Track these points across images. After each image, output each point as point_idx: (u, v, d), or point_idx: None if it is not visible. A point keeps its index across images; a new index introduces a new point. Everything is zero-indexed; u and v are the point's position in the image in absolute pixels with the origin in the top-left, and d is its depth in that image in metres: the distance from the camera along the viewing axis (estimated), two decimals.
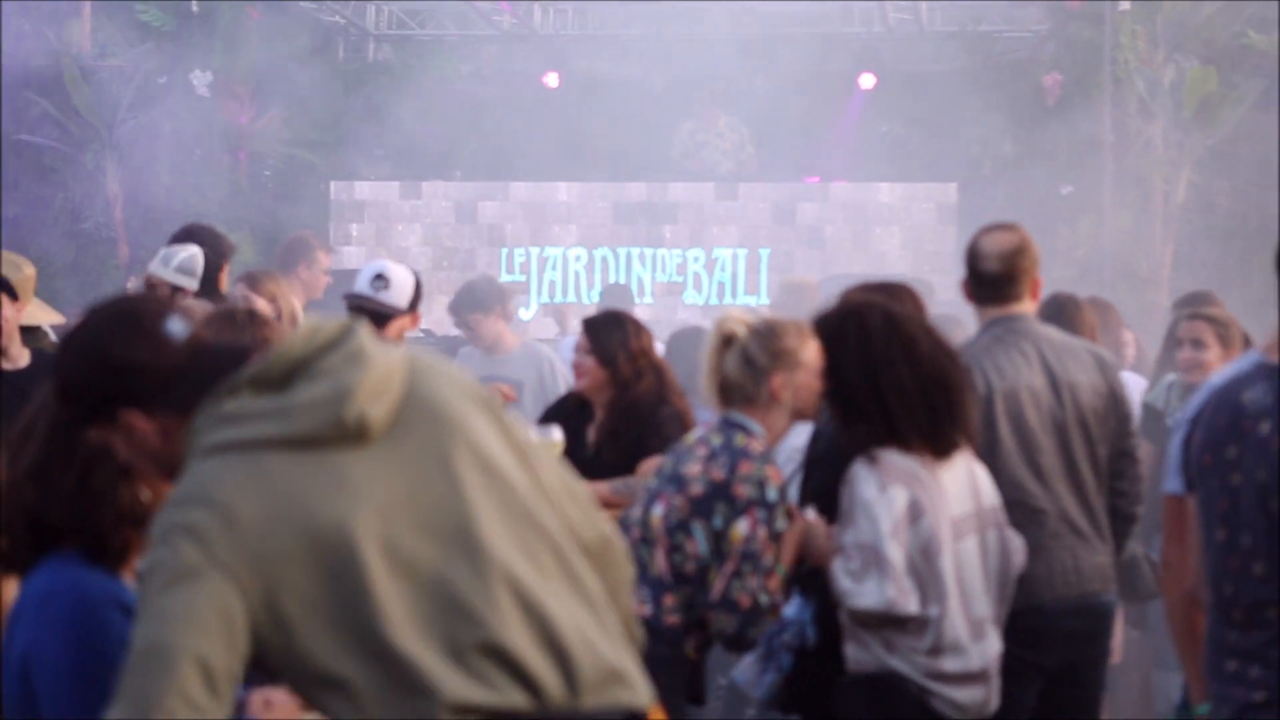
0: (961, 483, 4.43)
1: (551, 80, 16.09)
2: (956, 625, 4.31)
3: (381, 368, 2.65)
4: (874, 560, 4.23)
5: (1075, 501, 5.04)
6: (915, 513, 4.29)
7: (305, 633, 2.53)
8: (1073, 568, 5.00)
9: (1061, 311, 6.24)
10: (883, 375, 4.32)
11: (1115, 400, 5.16)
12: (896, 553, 4.23)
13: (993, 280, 5.06)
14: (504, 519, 2.67)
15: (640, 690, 2.72)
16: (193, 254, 6.75)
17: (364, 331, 2.70)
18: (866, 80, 15.92)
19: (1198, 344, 6.51)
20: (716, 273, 15.05)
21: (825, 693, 4.57)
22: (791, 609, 4.73)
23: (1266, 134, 14.68)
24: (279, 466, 2.57)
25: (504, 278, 14.29)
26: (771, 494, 4.52)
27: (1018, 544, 4.62)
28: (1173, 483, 3.75)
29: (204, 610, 2.49)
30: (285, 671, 2.60)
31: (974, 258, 5.07)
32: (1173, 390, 6.85)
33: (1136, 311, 12.48)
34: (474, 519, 2.63)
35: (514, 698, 2.58)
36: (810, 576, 4.65)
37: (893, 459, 4.32)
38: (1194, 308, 7.36)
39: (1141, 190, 14.10)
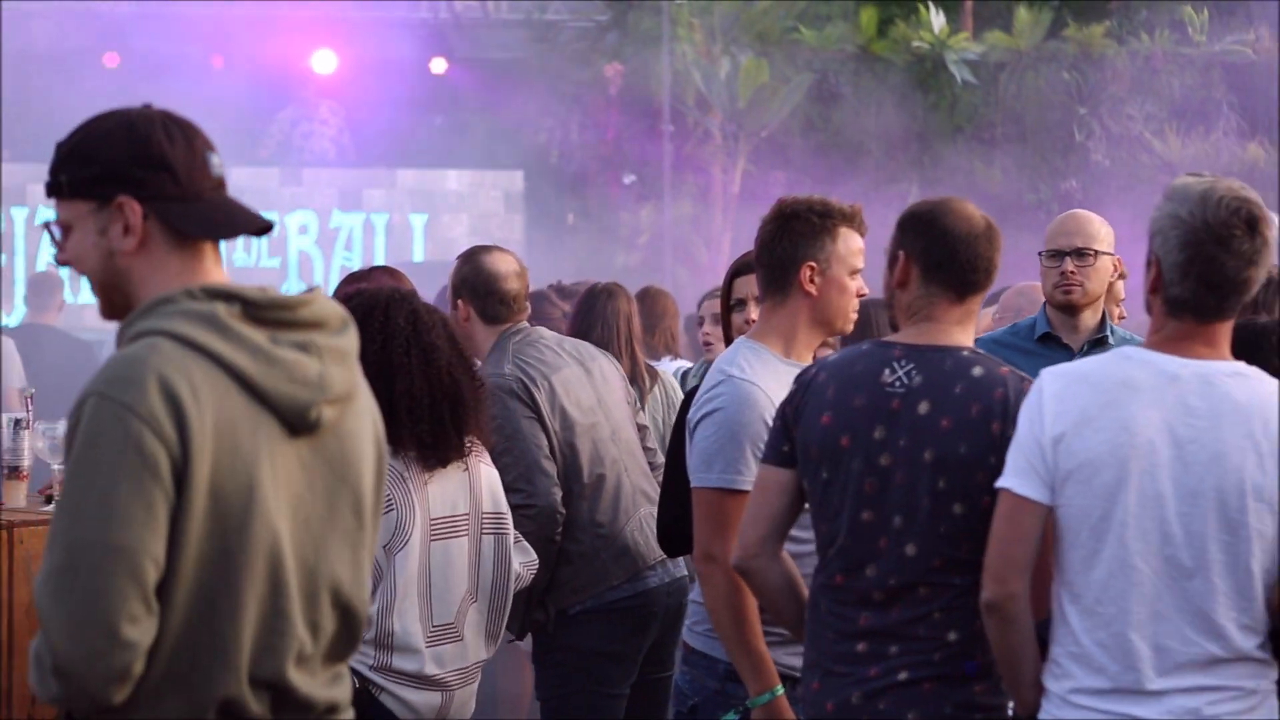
0: (452, 483, 4.28)
1: (111, 60, 15.58)
2: (408, 626, 4.16)
3: (353, 380, 2.68)
4: None
5: (637, 469, 5.26)
6: (384, 506, 4.14)
7: (180, 557, 2.51)
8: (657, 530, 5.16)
9: (654, 301, 6.47)
10: (398, 383, 4.18)
11: (625, 379, 5.47)
12: None
13: (515, 297, 5.19)
14: (350, 564, 2.71)
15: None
16: None
17: (355, 334, 2.71)
18: (437, 66, 15.92)
19: (718, 320, 6.68)
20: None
21: None
22: None
23: (818, 125, 15.34)
24: (237, 401, 2.54)
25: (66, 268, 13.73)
26: None
27: (525, 558, 4.49)
28: (716, 474, 3.81)
29: (160, 512, 2.47)
30: None
31: (493, 279, 5.15)
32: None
33: (696, 298, 12.84)
34: (326, 559, 2.66)
35: None
36: None
37: None
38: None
39: (700, 179, 14.54)
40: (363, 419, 2.73)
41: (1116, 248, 4.96)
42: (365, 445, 2.72)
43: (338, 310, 2.70)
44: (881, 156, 15.39)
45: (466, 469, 4.30)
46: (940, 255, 3.46)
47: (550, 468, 5.01)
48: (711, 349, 6.44)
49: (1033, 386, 3.22)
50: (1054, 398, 3.15)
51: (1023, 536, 3.14)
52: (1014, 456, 3.17)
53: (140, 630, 2.46)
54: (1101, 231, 4.86)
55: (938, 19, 15.58)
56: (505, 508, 4.41)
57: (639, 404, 5.85)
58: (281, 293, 2.65)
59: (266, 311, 2.60)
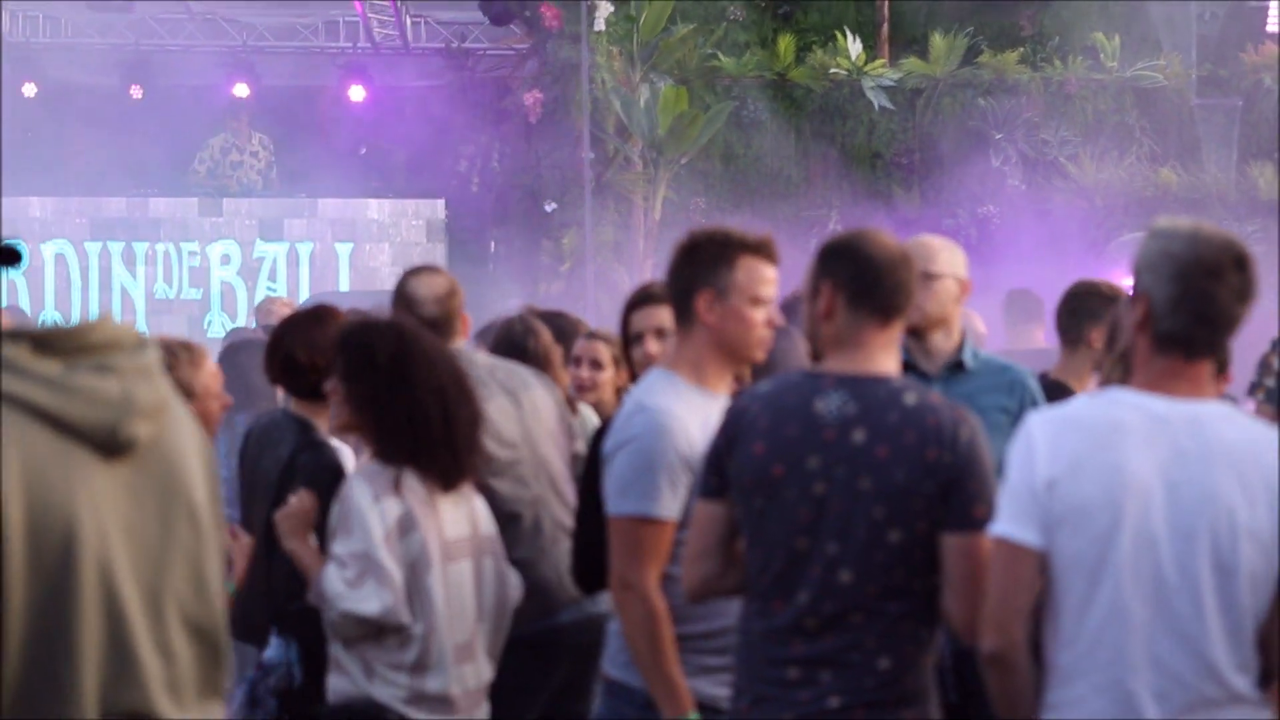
0: (458, 506, 4.43)
1: (29, 90, 15.48)
2: (443, 644, 4.29)
3: (161, 395, 2.63)
4: (370, 568, 4.20)
5: (560, 505, 5.21)
6: (407, 526, 4.26)
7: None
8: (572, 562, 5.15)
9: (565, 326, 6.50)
10: (432, 408, 4.31)
11: (561, 407, 5.43)
12: (390, 562, 4.21)
13: (433, 323, 5.11)
14: (192, 580, 2.65)
15: None
16: None
17: (156, 350, 2.66)
18: (355, 94, 15.89)
19: (595, 364, 6.65)
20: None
21: None
22: (271, 651, 4.66)
23: (738, 152, 15.41)
24: (40, 438, 2.47)
25: None
26: None
27: (515, 579, 4.64)
28: (632, 502, 3.85)
29: None
30: None
31: (412, 304, 5.12)
32: None
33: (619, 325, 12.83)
34: (169, 579, 2.60)
35: None
36: (291, 616, 4.60)
37: (392, 473, 4.32)
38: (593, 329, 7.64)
39: (622, 206, 14.57)
40: (182, 433, 2.68)
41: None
42: (191, 459, 2.67)
43: (131, 330, 2.65)
44: (801, 183, 15.48)
45: (468, 492, 4.43)
46: (866, 281, 3.50)
47: None
48: (584, 394, 6.22)
49: (1020, 432, 3.23)
50: (1045, 442, 3.17)
51: (1022, 583, 3.15)
52: (1008, 503, 3.18)
53: None
54: (941, 254, 4.85)
55: (854, 46, 15.70)
56: (496, 530, 4.55)
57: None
58: (65, 323, 2.60)
59: (56, 342, 2.54)
